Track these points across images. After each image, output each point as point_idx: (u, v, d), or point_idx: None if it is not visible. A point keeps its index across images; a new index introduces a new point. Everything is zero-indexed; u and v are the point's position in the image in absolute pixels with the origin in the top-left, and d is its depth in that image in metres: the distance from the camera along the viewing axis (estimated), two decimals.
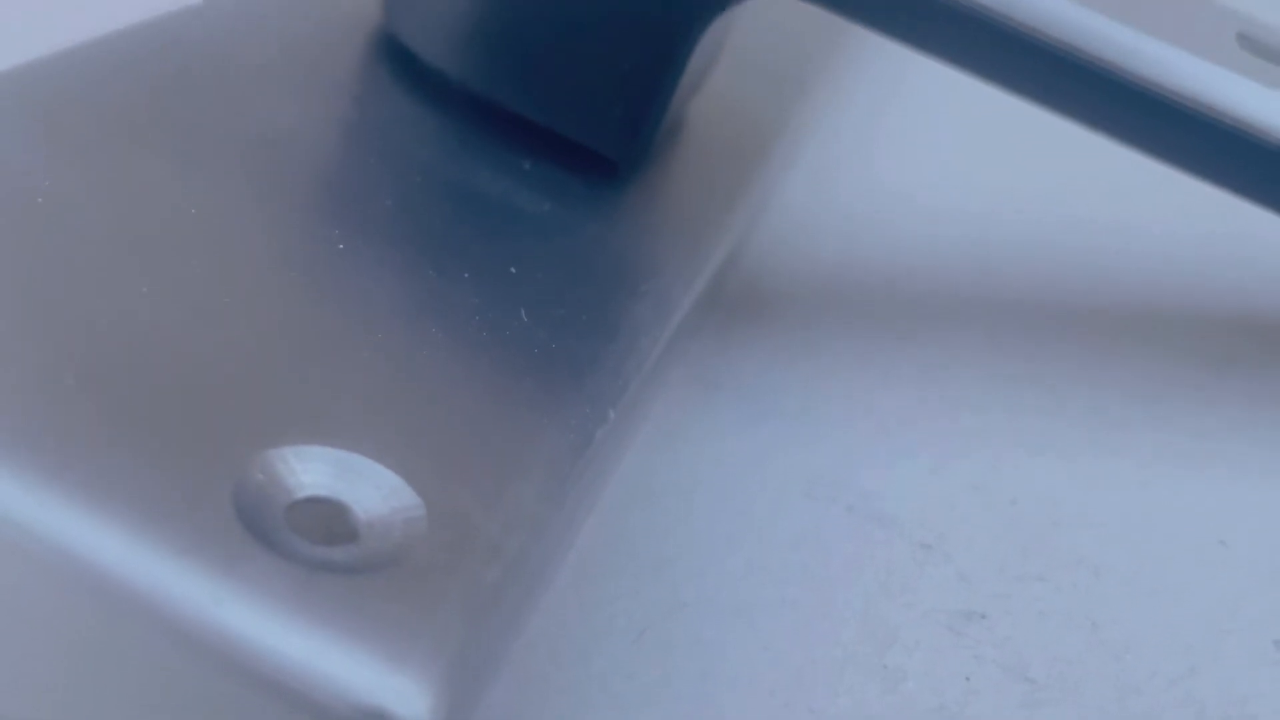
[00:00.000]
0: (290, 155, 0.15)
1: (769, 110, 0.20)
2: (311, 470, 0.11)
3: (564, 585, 0.13)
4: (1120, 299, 0.19)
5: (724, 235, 0.17)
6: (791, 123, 0.21)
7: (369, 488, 0.11)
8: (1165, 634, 0.14)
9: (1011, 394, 0.17)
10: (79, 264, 0.12)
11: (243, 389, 0.11)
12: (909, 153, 0.22)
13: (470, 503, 0.11)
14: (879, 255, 0.19)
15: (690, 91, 0.17)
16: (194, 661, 0.09)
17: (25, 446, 0.10)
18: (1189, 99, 0.15)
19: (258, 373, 0.11)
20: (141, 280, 0.12)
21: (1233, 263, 0.20)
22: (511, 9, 0.16)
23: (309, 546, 0.10)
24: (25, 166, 0.13)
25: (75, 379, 0.10)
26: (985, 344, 0.18)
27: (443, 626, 0.10)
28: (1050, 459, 0.16)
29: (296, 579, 0.10)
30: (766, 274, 0.19)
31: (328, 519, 0.11)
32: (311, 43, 0.17)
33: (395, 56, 0.17)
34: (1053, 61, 0.15)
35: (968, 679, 0.13)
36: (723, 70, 0.18)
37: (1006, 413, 0.17)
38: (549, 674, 0.13)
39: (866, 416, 0.16)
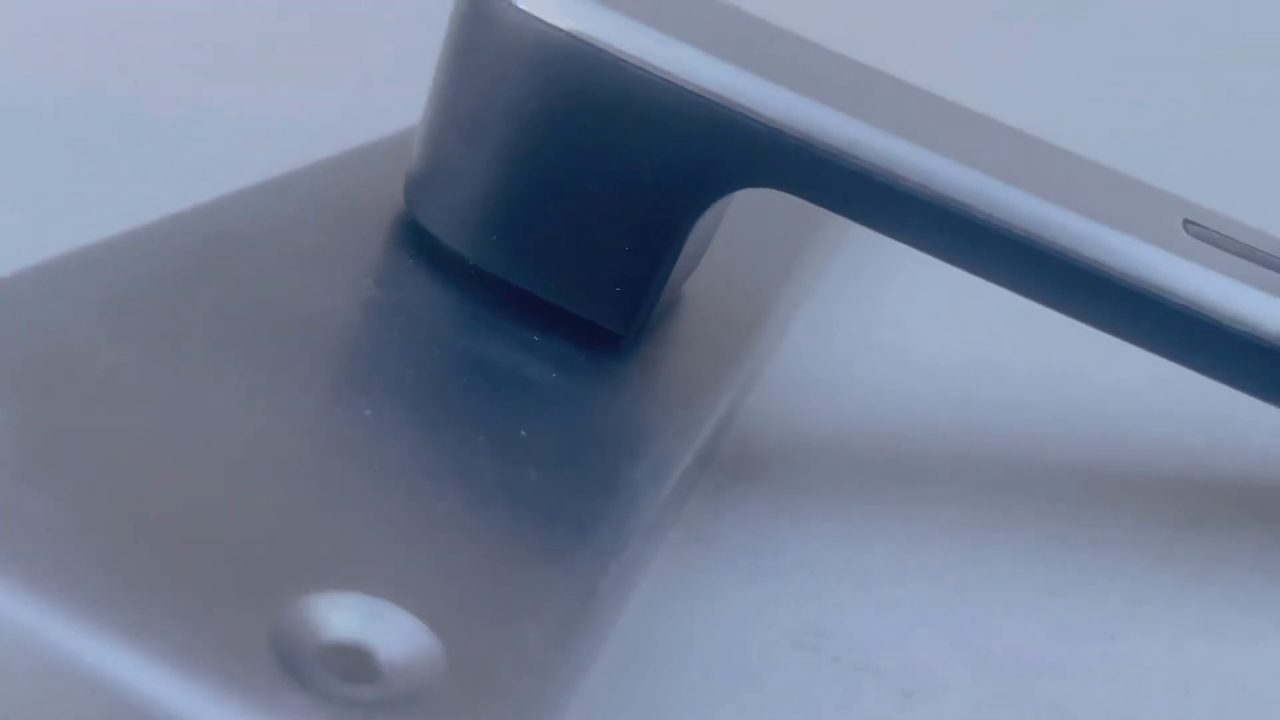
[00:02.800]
0: (322, 330, 0.16)
1: (761, 286, 0.22)
2: (341, 615, 0.12)
3: None
4: (1094, 462, 0.20)
5: (718, 403, 0.18)
6: (783, 298, 0.22)
7: (393, 632, 0.12)
8: None
9: (988, 553, 0.18)
10: (135, 430, 0.13)
11: (280, 541, 0.12)
12: (896, 324, 0.24)
13: (484, 647, 0.12)
14: (865, 423, 0.21)
15: (687, 270, 0.19)
16: None
17: (89, 593, 0.11)
18: (1143, 283, 0.16)
19: (293, 527, 0.13)
20: (190, 443, 0.13)
21: (1197, 430, 0.21)
22: (523, 200, 0.17)
23: (339, 685, 0.11)
24: (85, 343, 0.14)
25: (133, 532, 0.12)
26: (964, 506, 0.19)
27: None
28: (1024, 613, 0.17)
29: (328, 716, 0.11)
30: (759, 439, 0.20)
31: (356, 660, 0.12)
32: (342, 228, 0.18)
33: (417, 240, 0.18)
34: (1013, 248, 0.16)
35: None
36: (718, 248, 0.20)
37: (983, 570, 0.18)
38: None
39: (853, 574, 0.17)
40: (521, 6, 0.16)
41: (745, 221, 0.21)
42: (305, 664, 0.11)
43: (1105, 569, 0.18)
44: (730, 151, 0.16)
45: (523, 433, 0.15)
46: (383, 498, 0.13)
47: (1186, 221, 0.18)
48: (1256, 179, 0.29)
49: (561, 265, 0.17)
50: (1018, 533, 0.18)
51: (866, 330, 0.24)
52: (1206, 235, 0.18)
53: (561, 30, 0.16)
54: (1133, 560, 0.18)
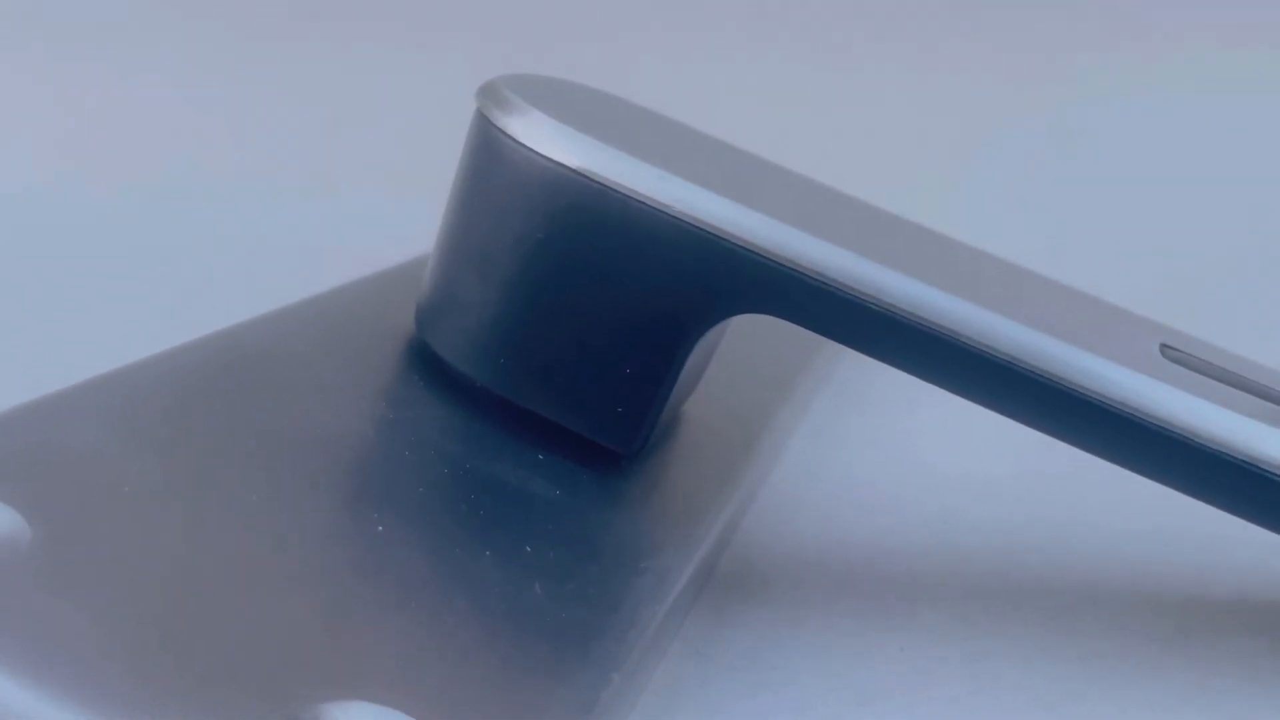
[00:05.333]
0: (337, 448, 0.17)
1: (759, 405, 0.22)
2: None
3: None
4: (1086, 577, 0.21)
5: (716, 520, 0.19)
6: (780, 417, 0.23)
7: None
8: None
9: (978, 667, 0.18)
10: (155, 543, 0.14)
11: (297, 650, 0.13)
12: (891, 443, 0.24)
13: None
14: (862, 539, 0.21)
15: (686, 392, 0.19)
16: None
17: (111, 700, 0.12)
18: (1121, 406, 0.17)
19: (308, 637, 0.13)
20: (211, 556, 0.14)
21: (1185, 546, 0.21)
22: (530, 326, 0.18)
23: None
24: (110, 459, 0.15)
25: (153, 641, 0.12)
26: (960, 621, 0.19)
27: None
28: None
29: None
30: (758, 554, 0.20)
31: None
32: (356, 351, 0.19)
33: (428, 363, 0.19)
34: (999, 373, 0.17)
35: None
36: (716, 370, 0.21)
37: (974, 683, 0.18)
38: None
39: (847, 688, 0.18)
40: (529, 145, 0.17)
41: (742, 344, 0.21)
42: None
43: (1098, 682, 0.18)
44: (726, 280, 0.17)
45: (527, 548, 0.16)
46: (393, 610, 0.14)
47: (1164, 346, 0.19)
48: (1233, 305, 0.30)
49: (566, 387, 0.18)
50: (1013, 646, 0.19)
51: (862, 448, 0.24)
52: (1183, 359, 0.18)
53: (566, 167, 0.17)
54: (1123, 674, 0.18)
